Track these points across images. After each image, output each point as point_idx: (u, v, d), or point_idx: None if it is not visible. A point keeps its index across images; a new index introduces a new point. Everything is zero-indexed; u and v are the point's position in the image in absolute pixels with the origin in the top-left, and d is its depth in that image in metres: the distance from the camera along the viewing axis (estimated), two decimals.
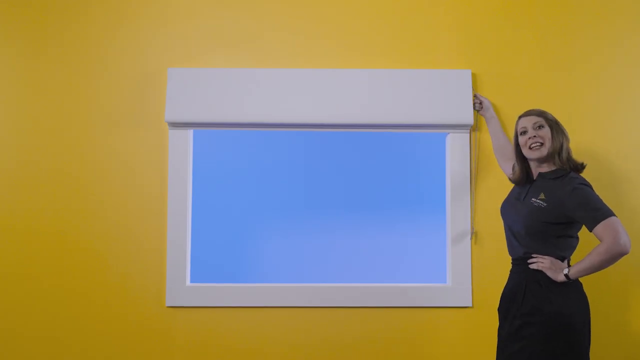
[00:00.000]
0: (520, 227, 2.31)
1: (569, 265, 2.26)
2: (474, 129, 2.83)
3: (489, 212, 2.81)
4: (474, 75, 2.86)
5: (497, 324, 2.54)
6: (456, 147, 2.83)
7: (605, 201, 2.84)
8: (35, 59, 2.85)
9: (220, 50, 2.87)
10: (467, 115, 2.77)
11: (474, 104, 2.79)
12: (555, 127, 2.34)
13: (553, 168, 2.35)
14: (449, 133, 2.84)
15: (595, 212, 2.15)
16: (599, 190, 2.80)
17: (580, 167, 2.36)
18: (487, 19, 2.89)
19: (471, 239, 2.81)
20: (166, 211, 2.80)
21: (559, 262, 2.24)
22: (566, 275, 2.19)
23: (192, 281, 2.82)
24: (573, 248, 2.34)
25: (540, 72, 2.87)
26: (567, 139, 2.37)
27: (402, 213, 2.95)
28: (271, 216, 2.95)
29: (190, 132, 2.82)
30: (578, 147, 2.73)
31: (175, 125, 2.78)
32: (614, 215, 2.15)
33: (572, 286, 2.23)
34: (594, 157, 2.81)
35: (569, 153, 2.35)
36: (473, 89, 2.83)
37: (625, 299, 2.81)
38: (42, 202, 2.80)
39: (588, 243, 2.80)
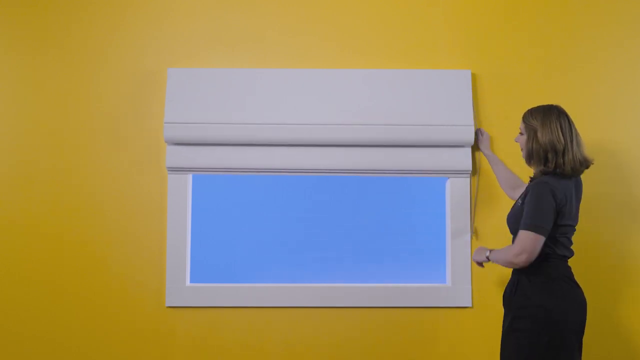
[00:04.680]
0: (510, 228, 2.41)
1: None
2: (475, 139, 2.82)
3: (489, 212, 2.81)
4: (473, 76, 2.86)
5: (496, 324, 2.55)
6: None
7: (606, 203, 2.85)
8: (35, 59, 2.85)
9: (220, 50, 2.87)
10: (467, 115, 2.77)
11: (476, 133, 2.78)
12: (530, 132, 2.34)
13: (535, 171, 2.37)
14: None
15: (527, 218, 2.24)
16: (599, 190, 2.81)
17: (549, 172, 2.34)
18: (487, 19, 2.89)
19: (471, 239, 2.81)
20: (166, 211, 2.80)
21: (484, 248, 2.42)
22: (487, 257, 2.38)
23: (192, 281, 2.82)
24: (559, 246, 2.31)
25: (540, 72, 2.87)
26: (542, 143, 2.31)
27: (402, 213, 2.95)
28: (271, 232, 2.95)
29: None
30: None
31: (173, 129, 2.77)
32: (535, 231, 2.20)
33: (560, 284, 2.26)
34: (593, 157, 2.80)
35: (540, 155, 2.32)
36: (473, 92, 2.83)
37: (625, 297, 2.81)
38: (42, 202, 2.80)
39: (584, 243, 2.81)
